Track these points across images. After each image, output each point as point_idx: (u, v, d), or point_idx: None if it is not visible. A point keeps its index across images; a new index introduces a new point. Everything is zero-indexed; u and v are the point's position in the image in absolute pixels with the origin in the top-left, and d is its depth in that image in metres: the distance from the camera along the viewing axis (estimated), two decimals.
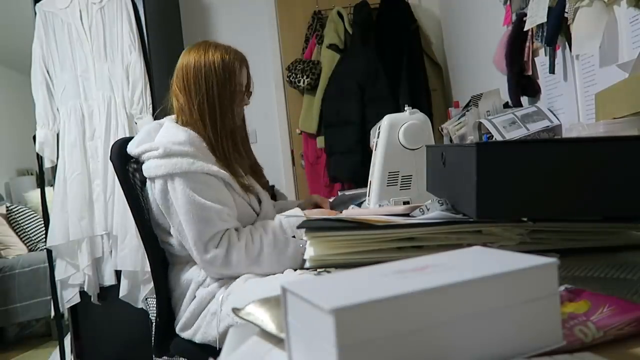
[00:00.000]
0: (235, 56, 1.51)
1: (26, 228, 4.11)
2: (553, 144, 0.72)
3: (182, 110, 1.49)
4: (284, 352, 0.43)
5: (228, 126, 1.51)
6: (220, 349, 0.59)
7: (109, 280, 2.61)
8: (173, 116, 1.53)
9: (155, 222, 1.46)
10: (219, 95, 1.46)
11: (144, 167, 1.41)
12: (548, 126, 1.66)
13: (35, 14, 2.74)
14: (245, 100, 1.57)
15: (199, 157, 1.39)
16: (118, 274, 2.58)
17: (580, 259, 0.71)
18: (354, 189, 2.26)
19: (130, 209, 1.44)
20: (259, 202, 1.53)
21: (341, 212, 1.39)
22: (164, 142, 1.40)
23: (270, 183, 1.85)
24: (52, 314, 2.71)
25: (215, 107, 1.46)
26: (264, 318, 0.56)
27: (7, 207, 4.19)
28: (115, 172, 1.45)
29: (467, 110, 2.11)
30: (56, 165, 2.68)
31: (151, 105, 2.68)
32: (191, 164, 1.37)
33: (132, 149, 1.44)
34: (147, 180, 1.43)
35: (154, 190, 1.40)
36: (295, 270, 1.38)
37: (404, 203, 1.25)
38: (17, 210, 4.20)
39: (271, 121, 3.50)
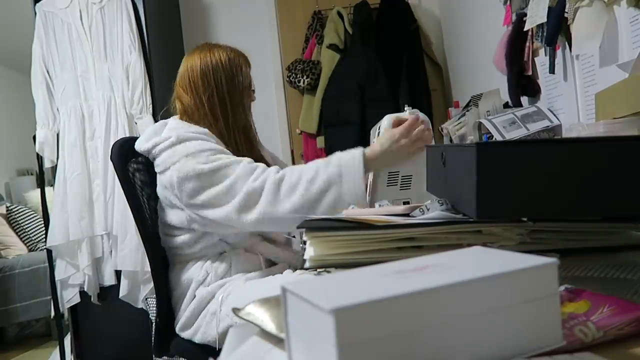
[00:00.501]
0: (239, 54, 1.53)
1: (26, 228, 4.11)
2: (553, 144, 0.72)
3: (188, 110, 1.48)
4: (284, 352, 0.43)
5: (240, 121, 1.51)
6: (220, 349, 0.59)
7: (109, 280, 2.61)
8: (177, 116, 1.53)
9: (163, 219, 1.45)
10: (229, 91, 1.47)
11: (157, 161, 1.40)
12: (548, 126, 1.66)
13: (35, 14, 2.74)
14: (252, 95, 1.58)
15: (212, 141, 1.39)
16: (118, 274, 2.58)
17: (580, 259, 0.71)
18: None
19: (130, 208, 1.43)
20: None
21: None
22: (175, 131, 1.40)
23: None
24: (52, 314, 2.71)
25: (225, 102, 1.47)
26: (264, 318, 0.56)
27: (7, 207, 4.19)
28: (116, 171, 1.45)
29: (467, 110, 2.11)
30: (56, 165, 2.68)
31: (151, 105, 2.69)
32: (204, 144, 1.37)
33: (140, 145, 1.43)
34: (161, 174, 1.40)
35: (171, 178, 1.35)
36: (295, 270, 1.38)
37: (404, 203, 1.25)
38: (17, 210, 4.20)
39: (271, 121, 3.50)
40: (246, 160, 1.36)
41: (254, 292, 1.24)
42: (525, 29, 1.71)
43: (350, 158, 1.31)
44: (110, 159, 1.44)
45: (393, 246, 0.75)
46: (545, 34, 1.57)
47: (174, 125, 1.46)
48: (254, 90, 1.59)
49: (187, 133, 1.38)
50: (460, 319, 0.38)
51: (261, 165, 1.36)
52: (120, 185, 1.46)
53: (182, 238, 1.43)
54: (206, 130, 1.43)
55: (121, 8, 2.69)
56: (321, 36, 3.36)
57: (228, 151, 1.41)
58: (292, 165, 3.43)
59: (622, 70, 1.22)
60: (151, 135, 1.44)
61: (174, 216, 1.42)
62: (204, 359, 1.38)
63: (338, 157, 1.34)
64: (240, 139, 1.50)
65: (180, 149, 1.36)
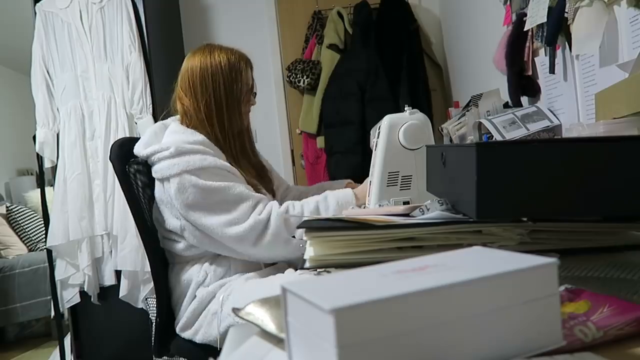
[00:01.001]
0: (240, 57, 1.52)
1: (26, 228, 4.11)
2: (553, 144, 0.72)
3: (187, 112, 1.49)
4: (284, 352, 0.43)
5: (235, 126, 1.51)
6: (221, 349, 0.59)
7: (109, 280, 2.61)
8: (178, 117, 1.53)
9: (160, 222, 1.45)
10: (226, 95, 1.47)
11: (155, 168, 1.41)
12: (548, 126, 1.66)
13: (35, 14, 2.75)
14: (252, 100, 1.58)
15: (211, 154, 1.40)
16: (118, 274, 2.58)
17: (580, 259, 0.71)
18: None
19: (130, 208, 1.44)
20: None
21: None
22: (174, 141, 1.40)
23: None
24: (52, 314, 2.71)
25: (222, 107, 1.47)
26: (264, 318, 0.56)
27: (7, 207, 4.19)
28: (115, 172, 1.45)
29: (467, 110, 2.11)
30: (56, 165, 2.68)
31: (151, 105, 2.69)
32: (203, 159, 1.38)
33: (139, 150, 1.44)
34: (158, 181, 1.42)
35: (169, 190, 1.38)
36: (295, 270, 1.38)
37: (404, 203, 1.25)
38: (17, 210, 4.20)
39: (271, 121, 3.50)
40: (244, 186, 1.42)
41: (256, 291, 1.24)
42: (525, 29, 1.71)
43: (344, 194, 1.47)
44: (110, 159, 1.45)
45: (393, 246, 0.75)
46: (545, 34, 1.57)
47: (174, 129, 1.47)
48: (255, 94, 1.58)
49: (186, 145, 1.39)
50: (460, 319, 0.38)
51: (262, 197, 1.43)
52: (119, 185, 1.46)
53: (180, 240, 1.43)
54: (204, 139, 1.43)
55: (121, 8, 2.69)
56: (321, 36, 3.36)
57: (227, 164, 1.42)
58: (291, 161, 3.47)
59: (622, 70, 1.22)
60: (150, 140, 1.45)
61: (169, 221, 1.43)
62: (205, 359, 1.38)
63: (332, 193, 1.48)
64: (236, 145, 1.50)
65: (180, 162, 1.36)
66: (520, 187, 0.65)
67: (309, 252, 0.77)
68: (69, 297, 2.64)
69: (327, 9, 3.41)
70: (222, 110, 1.47)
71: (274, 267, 1.47)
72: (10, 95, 5.45)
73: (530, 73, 1.83)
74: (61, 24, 2.71)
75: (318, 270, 0.76)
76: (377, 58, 3.10)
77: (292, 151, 3.55)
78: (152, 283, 1.53)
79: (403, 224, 0.75)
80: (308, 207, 1.43)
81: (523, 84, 1.86)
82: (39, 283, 3.53)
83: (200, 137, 1.43)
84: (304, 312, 0.39)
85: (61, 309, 2.67)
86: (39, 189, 2.90)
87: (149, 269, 1.53)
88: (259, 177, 1.60)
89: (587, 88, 1.49)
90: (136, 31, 2.70)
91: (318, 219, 0.94)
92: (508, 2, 1.96)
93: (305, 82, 3.28)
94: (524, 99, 1.93)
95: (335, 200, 1.45)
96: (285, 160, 3.53)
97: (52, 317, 2.76)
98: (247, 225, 1.35)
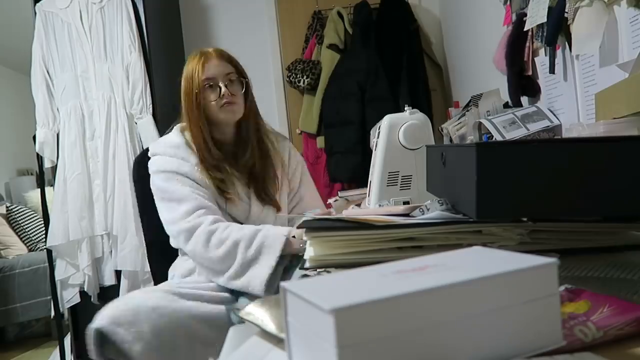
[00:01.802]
0: (193, 58, 1.50)
1: (26, 228, 4.11)
2: (553, 144, 0.72)
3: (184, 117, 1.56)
4: (284, 352, 0.43)
5: (211, 130, 1.50)
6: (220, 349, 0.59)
7: (109, 280, 2.61)
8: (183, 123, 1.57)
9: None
10: (189, 108, 1.50)
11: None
12: (548, 126, 1.66)
13: (35, 14, 2.75)
14: (215, 93, 1.47)
15: (178, 157, 1.47)
16: (118, 274, 2.58)
17: (580, 259, 0.70)
18: (354, 189, 2.26)
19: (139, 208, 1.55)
20: (249, 209, 1.52)
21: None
22: (157, 141, 1.56)
23: None
24: (52, 314, 2.71)
25: (189, 118, 1.50)
26: (264, 318, 0.56)
27: (7, 207, 4.19)
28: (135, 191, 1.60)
29: (467, 110, 2.11)
30: (56, 165, 2.68)
31: (151, 105, 2.69)
32: (166, 161, 1.47)
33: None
34: None
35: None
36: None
37: (404, 203, 1.25)
38: (17, 210, 4.20)
39: (271, 121, 3.46)
40: (191, 190, 1.44)
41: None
42: (525, 29, 1.71)
43: (273, 237, 1.36)
44: (133, 180, 1.60)
45: (393, 246, 0.75)
46: (545, 34, 1.57)
47: (173, 132, 1.56)
48: (211, 85, 1.47)
49: (159, 147, 1.51)
50: (460, 319, 0.38)
51: (203, 206, 1.43)
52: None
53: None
54: (181, 142, 1.49)
55: (121, 8, 2.69)
56: (321, 36, 3.36)
57: (188, 170, 1.46)
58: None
59: (622, 70, 1.22)
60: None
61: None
62: None
63: (265, 234, 1.37)
64: (210, 151, 1.48)
65: (150, 163, 1.51)
66: (520, 187, 0.65)
67: (309, 252, 0.77)
68: (69, 297, 2.64)
69: (327, 9, 3.41)
70: (189, 120, 1.50)
71: None
72: (10, 95, 5.45)
73: (530, 73, 1.83)
74: (61, 24, 2.71)
75: (318, 270, 0.76)
76: (377, 58, 3.10)
77: None
78: (152, 283, 1.54)
79: (403, 224, 0.75)
80: (232, 238, 1.37)
81: (523, 84, 1.86)
82: (39, 283, 3.53)
83: (178, 139, 1.50)
84: (304, 312, 0.39)
85: (61, 309, 2.67)
86: (39, 189, 2.90)
87: (149, 269, 1.54)
88: (253, 180, 1.54)
89: (587, 88, 1.49)
90: (136, 31, 2.70)
91: (318, 219, 0.94)
92: (508, 2, 1.96)
93: (305, 82, 3.28)
94: (524, 99, 1.93)
95: (260, 240, 1.37)
96: None
97: (52, 317, 2.77)
98: (177, 228, 1.42)
